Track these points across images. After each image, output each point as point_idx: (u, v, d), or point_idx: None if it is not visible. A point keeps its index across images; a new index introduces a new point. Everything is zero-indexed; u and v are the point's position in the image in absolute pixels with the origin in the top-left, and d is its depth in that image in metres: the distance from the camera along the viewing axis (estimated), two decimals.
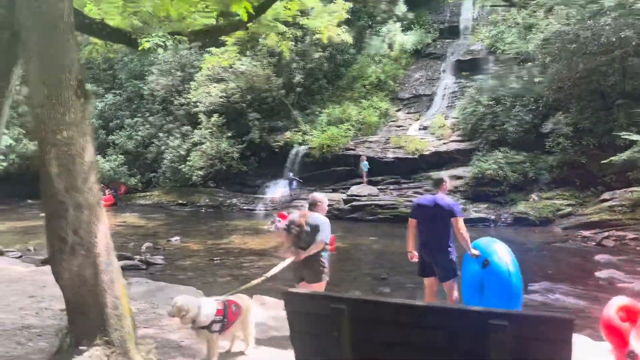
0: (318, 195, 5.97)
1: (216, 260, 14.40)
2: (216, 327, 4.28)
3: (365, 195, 22.85)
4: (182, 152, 26.77)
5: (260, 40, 26.88)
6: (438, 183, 6.32)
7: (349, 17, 29.28)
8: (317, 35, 20.52)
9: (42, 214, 4.01)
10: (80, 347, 3.60)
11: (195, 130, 26.75)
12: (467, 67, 30.72)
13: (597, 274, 12.62)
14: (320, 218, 5.66)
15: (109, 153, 30.31)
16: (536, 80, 22.88)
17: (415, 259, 6.27)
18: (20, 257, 13.91)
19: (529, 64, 23.16)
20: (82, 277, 3.73)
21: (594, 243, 16.85)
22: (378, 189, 23.91)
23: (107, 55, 13.35)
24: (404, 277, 12.57)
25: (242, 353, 4.78)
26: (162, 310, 5.93)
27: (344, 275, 12.80)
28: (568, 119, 20.01)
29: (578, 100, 20.42)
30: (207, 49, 26.35)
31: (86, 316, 3.72)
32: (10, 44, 4.35)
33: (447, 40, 34.52)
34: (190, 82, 28.76)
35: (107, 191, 29.53)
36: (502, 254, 5.96)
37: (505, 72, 23.49)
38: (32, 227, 20.66)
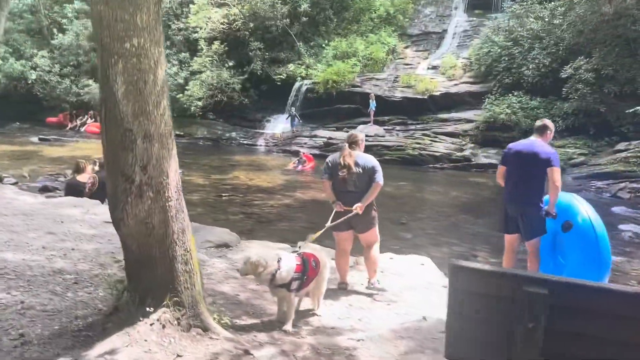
0: (359, 133, 5.22)
1: (224, 196, 13.73)
2: (295, 285, 3.66)
3: (371, 136, 22.00)
4: (180, 81, 25.42)
5: None
6: (541, 129, 5.40)
7: None
8: None
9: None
10: (147, 308, 2.95)
11: (195, 58, 25.23)
12: (481, 5, 29.36)
13: (621, 226, 12.25)
14: (370, 157, 4.91)
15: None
16: (556, 22, 21.85)
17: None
18: (15, 183, 13.09)
19: (552, 3, 21.92)
20: (150, 225, 3.02)
21: (608, 195, 16.52)
22: (384, 129, 23.13)
23: None
24: (423, 222, 12.10)
25: (313, 313, 4.18)
26: (203, 256, 5.29)
27: None
28: (590, 65, 19.10)
29: (602, 45, 19.44)
30: None
31: (152, 271, 3.04)
32: None
33: None
34: (190, 6, 26.97)
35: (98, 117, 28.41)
36: (587, 214, 5.31)
37: (526, 11, 22.23)
38: (24, 153, 19.74)
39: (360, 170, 4.80)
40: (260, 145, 24.97)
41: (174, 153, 3.21)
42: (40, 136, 23.61)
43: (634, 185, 17.10)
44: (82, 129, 28.33)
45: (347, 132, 23.11)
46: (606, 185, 17.54)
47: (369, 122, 23.57)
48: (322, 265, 3.99)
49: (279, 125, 26.23)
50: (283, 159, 22.15)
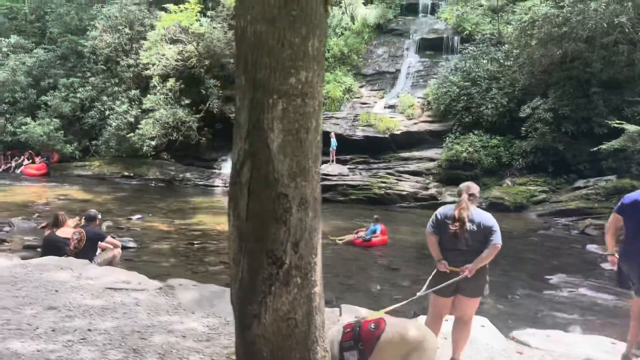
0: (476, 185, 4.56)
1: (196, 243, 12.64)
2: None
3: (335, 175, 21.63)
4: (131, 119, 24.04)
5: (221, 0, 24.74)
6: None
7: None
8: None
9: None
10: None
11: (149, 96, 24.00)
12: (432, 47, 30.14)
13: (603, 265, 12.22)
14: (488, 215, 4.25)
15: (40, 116, 26.79)
16: (508, 63, 22.62)
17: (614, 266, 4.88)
18: None
19: (505, 46, 22.72)
20: (292, 322, 2.22)
21: (576, 231, 16.73)
22: (347, 168, 22.75)
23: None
24: (413, 266, 11.55)
25: None
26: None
27: (349, 264, 11.55)
28: (547, 105, 19.72)
29: (556, 86, 20.17)
30: (164, 6, 23.82)
31: None
32: None
33: (409, 18, 33.73)
34: (140, 42, 25.87)
35: (37, 159, 26.35)
36: None
37: (482, 52, 22.91)
38: None
39: (475, 227, 4.14)
40: (218, 186, 23.88)
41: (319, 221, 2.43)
42: None
43: (597, 221, 17.48)
44: (18, 171, 26.12)
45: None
46: (571, 222, 17.84)
47: (330, 160, 23.12)
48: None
49: None
50: None
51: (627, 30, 16.81)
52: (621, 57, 18.02)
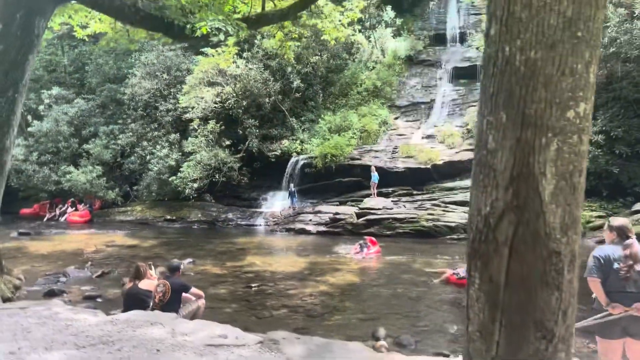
0: (626, 221, 4.21)
1: (254, 287, 12.31)
2: None
3: (380, 209, 21.21)
4: (172, 163, 24.25)
5: (256, 41, 25.12)
6: None
7: (368, 14, 28.26)
8: (325, 37, 19.01)
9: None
10: None
11: (190, 139, 24.25)
12: (465, 75, 29.98)
13: None
14: None
15: (82, 164, 27.28)
16: None
17: None
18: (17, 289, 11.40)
19: None
20: None
21: None
22: (391, 201, 22.35)
23: (128, 45, 11.20)
24: None
25: None
26: None
27: (412, 302, 11.03)
28: (597, 127, 19.13)
29: (605, 107, 19.62)
30: (201, 50, 24.28)
31: None
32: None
33: (438, 48, 33.78)
34: (177, 86, 26.35)
35: (80, 206, 26.68)
36: None
37: None
38: (5, 250, 17.80)
39: None
40: (260, 225, 23.68)
41: None
42: (20, 230, 21.68)
43: None
44: (62, 219, 26.45)
45: (352, 205, 22.41)
46: None
47: (372, 194, 22.79)
48: None
49: (276, 203, 25.16)
50: (289, 238, 20.93)
51: None
52: None
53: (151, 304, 6.48)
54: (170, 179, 23.70)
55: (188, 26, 9.10)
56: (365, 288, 12.35)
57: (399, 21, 34.06)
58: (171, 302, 6.40)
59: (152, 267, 7.33)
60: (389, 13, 33.74)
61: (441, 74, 30.82)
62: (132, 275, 7.16)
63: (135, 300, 6.48)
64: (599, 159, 19.05)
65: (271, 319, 9.88)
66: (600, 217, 19.33)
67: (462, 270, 12.15)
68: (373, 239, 16.64)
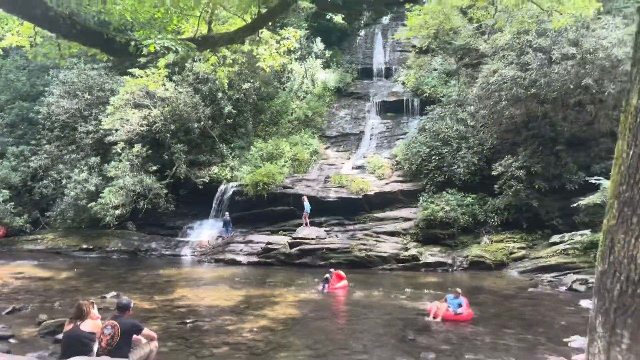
0: None
1: (189, 323, 11.50)
2: None
3: (313, 238, 20.97)
4: (91, 188, 22.60)
5: (187, 65, 24.44)
6: None
7: (299, 45, 28.36)
8: (260, 64, 18.87)
9: None
10: None
11: (113, 163, 22.78)
12: (392, 109, 30.92)
13: None
14: None
15: None
16: (472, 124, 23.33)
17: None
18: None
19: (471, 107, 23.48)
20: None
21: (564, 287, 16.72)
22: (324, 230, 22.19)
23: (59, 61, 10.30)
24: (429, 336, 10.92)
25: None
26: None
27: (361, 336, 10.77)
28: (519, 163, 20.22)
29: (525, 144, 20.81)
30: (129, 70, 23.17)
31: None
32: None
33: (366, 81, 34.74)
34: (99, 107, 24.88)
35: None
36: None
37: (451, 113, 23.56)
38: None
39: None
40: (186, 256, 22.56)
41: None
42: None
43: (579, 276, 17.66)
44: None
45: (285, 235, 21.97)
46: (554, 279, 17.94)
47: (304, 224, 22.52)
48: None
49: (203, 232, 24.17)
50: (219, 269, 20.06)
51: (593, 90, 17.72)
52: (587, 116, 18.91)
53: (96, 348, 5.71)
54: (89, 205, 22.05)
55: (132, 43, 8.49)
56: (308, 322, 11.93)
57: (328, 53, 34.72)
58: (120, 346, 5.69)
59: (95, 305, 6.52)
60: (318, 45, 34.33)
61: (369, 107, 31.59)
62: (73, 315, 6.30)
63: (77, 344, 5.67)
64: (520, 193, 20.08)
65: (212, 358, 9.23)
66: (522, 248, 20.33)
67: (447, 306, 11.93)
68: (340, 272, 16.00)
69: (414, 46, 33.69)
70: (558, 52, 18.96)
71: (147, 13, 9.44)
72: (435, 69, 31.02)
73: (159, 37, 8.13)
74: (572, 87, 18.17)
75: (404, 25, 35.27)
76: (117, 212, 21.69)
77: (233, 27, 11.83)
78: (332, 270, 15.74)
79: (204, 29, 10.78)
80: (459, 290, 12.26)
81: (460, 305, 11.92)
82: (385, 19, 39.39)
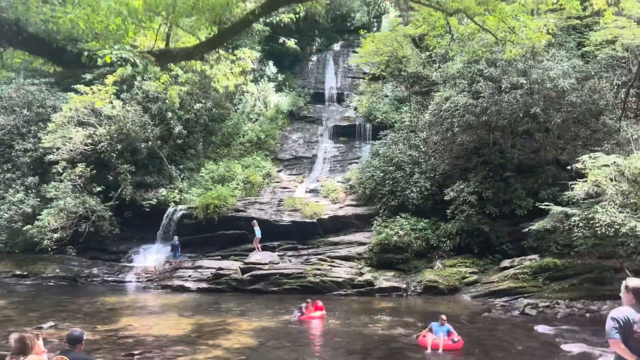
0: None
1: (136, 355, 10.70)
2: None
3: (266, 263, 20.38)
4: (27, 209, 21.12)
5: (136, 82, 23.63)
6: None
7: (254, 67, 28.00)
8: (214, 84, 18.50)
9: None
10: None
11: (53, 183, 21.40)
12: (345, 133, 31.04)
13: (564, 347, 12.23)
14: None
15: None
16: (424, 149, 23.70)
17: None
18: None
19: (424, 133, 23.84)
20: None
21: (517, 312, 16.91)
22: (277, 255, 21.65)
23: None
24: None
25: None
26: None
27: None
28: (470, 188, 20.55)
29: (475, 170, 21.23)
30: (74, 87, 22.10)
31: None
32: None
33: (319, 106, 34.82)
34: (39, 124, 23.52)
35: None
36: None
37: (404, 138, 23.82)
38: None
39: None
40: (131, 282, 21.38)
41: None
42: None
43: (530, 300, 17.98)
44: None
45: (236, 260, 21.32)
46: (506, 303, 18.14)
47: (255, 249, 21.91)
48: None
49: (149, 257, 23.05)
50: (166, 296, 19.08)
51: (541, 119, 18.35)
52: (535, 144, 19.53)
53: None
54: (24, 228, 20.56)
55: (85, 54, 7.91)
56: (266, 352, 11.37)
57: (280, 77, 34.67)
58: None
59: (40, 337, 5.75)
60: (271, 68, 34.25)
61: (322, 131, 31.59)
62: (14, 350, 5.49)
63: None
64: (472, 218, 20.35)
65: None
66: (474, 272, 20.51)
67: (434, 335, 11.53)
68: (319, 302, 15.34)
69: (365, 73, 34.30)
70: (507, 81, 19.60)
71: (102, 23, 8.87)
72: (386, 96, 31.50)
73: (116, 47, 7.61)
74: (521, 115, 18.76)
75: (354, 52, 36.07)
76: (56, 235, 20.31)
77: (187, 44, 11.43)
78: (308, 300, 15.20)
79: (161, 44, 10.30)
80: (444, 317, 11.95)
81: (449, 333, 11.61)
82: (337, 46, 39.85)
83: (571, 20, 21.95)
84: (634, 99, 21.48)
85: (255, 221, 22.27)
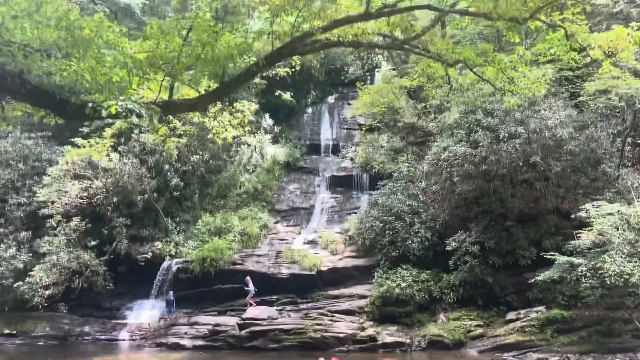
0: None
1: None
2: None
3: (264, 319, 19.71)
4: (19, 265, 20.54)
5: (134, 135, 23.63)
6: None
7: (253, 119, 28.19)
8: (212, 135, 18.50)
9: None
10: None
11: (46, 238, 20.93)
12: (342, 184, 30.95)
13: None
14: None
15: None
16: (423, 198, 23.56)
17: None
18: None
19: (422, 183, 23.78)
20: None
21: None
22: (275, 309, 21.01)
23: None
24: None
25: None
26: None
27: None
28: (472, 238, 20.27)
29: (476, 220, 21.00)
30: (72, 140, 22.02)
31: None
32: None
33: (315, 157, 34.92)
34: (34, 177, 23.27)
35: None
36: None
37: (403, 188, 23.72)
38: None
39: None
40: (124, 340, 20.57)
41: None
42: None
43: (540, 355, 17.45)
44: None
45: (233, 315, 20.68)
46: (515, 358, 17.60)
47: (248, 304, 21.27)
48: None
49: (143, 313, 22.30)
50: (161, 354, 18.33)
51: (542, 168, 18.34)
52: (535, 193, 19.45)
53: None
54: (15, 285, 19.91)
55: (90, 105, 7.79)
56: None
57: (276, 129, 34.96)
58: None
59: None
60: (267, 120, 34.59)
61: (319, 181, 31.50)
62: None
63: None
64: (475, 268, 19.94)
65: None
66: (479, 325, 19.91)
67: None
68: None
69: (360, 124, 34.69)
70: (505, 130, 19.71)
71: (105, 75, 8.82)
72: (382, 146, 31.73)
73: (121, 98, 7.50)
74: (520, 164, 18.76)
75: (349, 104, 36.62)
76: (48, 292, 19.67)
77: (186, 96, 11.41)
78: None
79: (164, 95, 10.25)
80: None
81: None
82: (331, 98, 40.49)
83: (564, 72, 22.37)
84: (628, 147, 21.67)
85: (248, 277, 21.75)
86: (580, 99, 21.57)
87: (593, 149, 19.47)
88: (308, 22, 10.35)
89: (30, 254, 21.37)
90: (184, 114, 12.38)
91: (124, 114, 7.40)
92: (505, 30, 11.68)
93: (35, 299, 19.63)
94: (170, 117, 17.31)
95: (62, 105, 8.21)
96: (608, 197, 18.40)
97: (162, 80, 9.78)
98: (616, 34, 10.92)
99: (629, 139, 21.02)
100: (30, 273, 20.10)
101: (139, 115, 7.48)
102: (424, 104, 28.96)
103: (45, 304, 20.09)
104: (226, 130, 17.06)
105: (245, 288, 21.36)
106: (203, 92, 11.42)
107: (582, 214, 16.18)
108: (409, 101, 30.73)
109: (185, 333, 19.74)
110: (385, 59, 41.87)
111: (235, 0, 32.28)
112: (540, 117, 19.18)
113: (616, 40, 11.13)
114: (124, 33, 11.08)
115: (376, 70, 41.62)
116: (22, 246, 21.73)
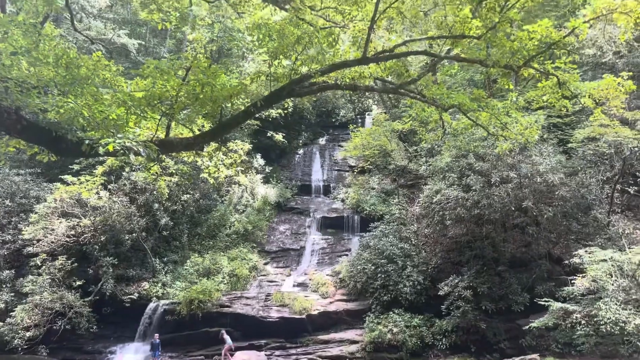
0: None
1: None
2: None
3: None
4: (0, 305, 19.83)
5: (124, 173, 23.44)
6: None
7: (246, 158, 28.12)
8: (204, 175, 18.42)
9: None
10: None
11: (30, 277, 20.33)
12: (332, 225, 30.78)
13: None
14: None
15: None
16: (415, 241, 23.44)
17: None
18: None
19: (414, 226, 23.71)
20: None
21: None
22: (264, 355, 20.39)
23: None
24: None
25: None
26: None
27: None
28: (465, 283, 20.06)
29: (469, 264, 20.86)
30: (61, 177, 21.77)
31: None
32: None
33: (306, 197, 34.86)
34: (20, 215, 22.82)
35: None
36: None
37: (395, 231, 23.59)
38: None
39: None
40: None
41: None
42: None
43: None
44: None
45: None
46: None
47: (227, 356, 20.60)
48: None
49: (127, 357, 21.48)
50: None
51: (532, 213, 18.38)
52: (527, 237, 19.43)
53: None
54: None
55: (86, 142, 7.70)
56: None
57: (268, 169, 35.00)
58: None
59: None
60: (258, 160, 34.65)
61: (310, 222, 31.30)
62: None
63: None
64: (468, 314, 19.67)
65: None
66: None
67: None
68: None
69: (351, 166, 34.96)
70: (497, 175, 19.86)
71: (103, 113, 8.77)
72: (373, 188, 31.80)
73: (119, 136, 7.42)
74: (512, 208, 18.81)
75: (340, 146, 36.96)
76: (29, 333, 18.95)
77: (180, 135, 11.38)
78: None
79: (161, 134, 10.20)
80: None
81: None
82: (322, 140, 40.91)
83: (552, 119, 22.81)
84: (617, 194, 21.88)
85: (223, 331, 20.99)
86: (570, 145, 21.90)
87: (583, 194, 19.63)
88: (307, 65, 10.47)
89: (12, 294, 20.69)
90: (178, 152, 12.28)
91: (121, 151, 7.30)
92: (499, 77, 11.87)
93: (15, 341, 18.88)
94: (163, 156, 17.27)
95: (57, 142, 8.11)
96: (599, 243, 18.43)
97: (159, 119, 9.74)
98: (607, 82, 11.16)
99: (618, 186, 21.25)
100: (11, 314, 19.40)
101: (137, 154, 7.38)
102: (415, 147, 29.25)
103: (25, 346, 19.31)
104: (219, 169, 17.02)
105: (225, 337, 20.63)
106: (197, 132, 11.42)
107: (576, 259, 16.11)
108: (400, 144, 31.07)
109: None
110: (376, 102, 42.63)
111: (230, 43, 32.83)
112: (531, 162, 19.39)
113: (607, 89, 11.37)
114: (120, 72, 11.15)
115: (367, 113, 42.34)
116: (4, 285, 21.05)
